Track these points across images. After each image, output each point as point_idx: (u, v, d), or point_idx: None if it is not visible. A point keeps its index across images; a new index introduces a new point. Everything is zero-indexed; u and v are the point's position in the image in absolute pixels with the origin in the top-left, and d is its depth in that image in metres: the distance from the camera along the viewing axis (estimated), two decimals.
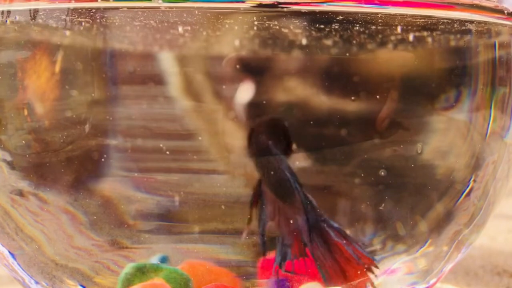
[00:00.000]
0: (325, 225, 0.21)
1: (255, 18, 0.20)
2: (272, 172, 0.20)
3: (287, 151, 0.21)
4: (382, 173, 0.21)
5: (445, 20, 0.21)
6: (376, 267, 0.22)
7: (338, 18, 0.20)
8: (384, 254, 0.22)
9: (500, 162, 0.24)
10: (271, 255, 0.21)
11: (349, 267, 0.22)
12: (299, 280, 0.22)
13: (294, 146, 0.21)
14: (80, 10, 0.20)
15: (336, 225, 0.21)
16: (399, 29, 0.21)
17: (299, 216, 0.21)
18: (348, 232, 0.22)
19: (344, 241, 0.21)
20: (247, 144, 0.20)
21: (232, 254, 0.21)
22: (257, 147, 0.20)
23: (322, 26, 0.20)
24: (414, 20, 0.21)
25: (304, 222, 0.21)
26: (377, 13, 0.20)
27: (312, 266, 0.22)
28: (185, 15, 0.20)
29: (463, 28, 0.22)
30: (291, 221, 0.21)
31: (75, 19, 0.20)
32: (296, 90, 0.20)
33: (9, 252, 0.24)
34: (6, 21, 0.21)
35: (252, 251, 0.21)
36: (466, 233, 0.24)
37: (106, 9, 0.20)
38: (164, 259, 0.22)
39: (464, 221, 0.24)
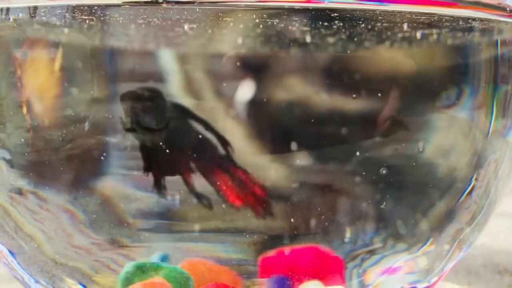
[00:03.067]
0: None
1: (254, 16, 0.20)
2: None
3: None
4: (384, 171, 0.21)
5: (447, 18, 0.21)
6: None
7: (339, 15, 0.20)
8: (385, 252, 0.22)
9: (502, 160, 0.24)
10: (272, 253, 0.21)
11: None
12: (300, 279, 0.22)
13: (294, 145, 0.21)
14: (81, 8, 0.20)
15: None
16: (400, 26, 0.21)
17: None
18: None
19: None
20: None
21: (232, 252, 0.21)
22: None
23: (323, 23, 0.20)
24: (415, 17, 0.21)
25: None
26: (378, 11, 0.20)
27: None
28: (185, 12, 0.20)
29: (466, 25, 0.22)
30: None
31: (75, 16, 0.20)
32: (297, 88, 0.20)
33: (9, 250, 0.24)
34: (9, 18, 0.21)
35: (253, 249, 0.21)
36: (467, 232, 0.24)
37: (107, 6, 0.20)
38: (164, 258, 0.22)
39: (465, 220, 0.24)
